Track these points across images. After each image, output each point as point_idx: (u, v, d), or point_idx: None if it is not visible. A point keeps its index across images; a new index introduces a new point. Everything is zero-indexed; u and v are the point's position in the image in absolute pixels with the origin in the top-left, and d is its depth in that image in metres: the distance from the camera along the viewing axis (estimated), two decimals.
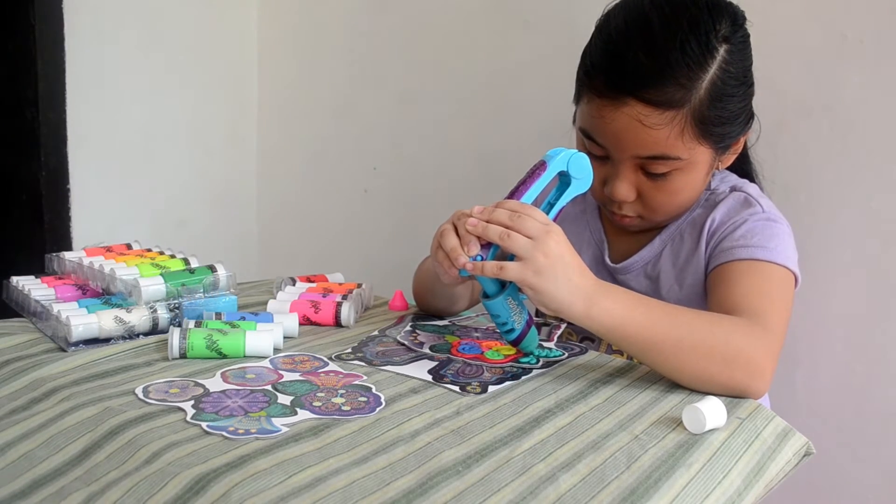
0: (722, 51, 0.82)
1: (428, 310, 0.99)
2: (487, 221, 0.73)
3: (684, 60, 0.80)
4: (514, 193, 0.76)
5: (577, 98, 0.90)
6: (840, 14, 1.03)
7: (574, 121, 0.92)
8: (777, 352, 0.77)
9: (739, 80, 0.85)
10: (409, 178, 1.56)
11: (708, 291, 0.88)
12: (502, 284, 0.77)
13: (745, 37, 0.86)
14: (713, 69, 0.82)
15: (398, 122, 1.56)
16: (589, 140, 0.88)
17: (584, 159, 0.77)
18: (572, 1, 1.27)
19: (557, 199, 0.78)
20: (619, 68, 0.83)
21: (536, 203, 0.76)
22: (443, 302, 0.95)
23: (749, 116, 0.89)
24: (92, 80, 1.48)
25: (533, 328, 0.80)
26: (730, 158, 0.92)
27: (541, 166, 0.76)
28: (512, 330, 0.79)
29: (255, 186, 1.82)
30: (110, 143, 1.54)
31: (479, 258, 0.74)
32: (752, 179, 0.99)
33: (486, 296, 0.78)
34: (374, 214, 1.63)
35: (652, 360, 0.75)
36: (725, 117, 0.84)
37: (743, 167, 0.99)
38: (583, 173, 0.77)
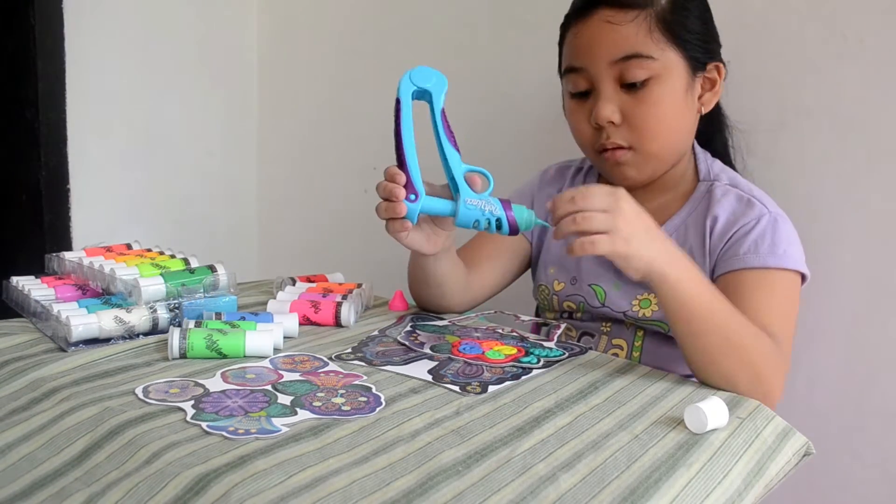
0: None
1: (422, 301, 0.99)
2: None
3: None
4: (398, 144, 0.81)
5: (560, 50, 0.96)
6: (840, 14, 1.03)
7: (560, 74, 0.96)
8: (785, 373, 0.81)
9: None
10: None
11: None
12: (451, 199, 0.80)
13: None
14: None
15: None
16: (570, 73, 0.92)
17: (424, 69, 0.79)
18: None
19: (435, 119, 0.81)
20: None
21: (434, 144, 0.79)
22: (432, 288, 0.96)
23: (715, 43, 0.93)
24: (92, 80, 1.48)
25: (516, 206, 0.79)
26: (710, 100, 0.94)
27: (396, 104, 0.79)
28: (499, 220, 0.78)
29: (255, 186, 1.82)
30: (110, 143, 1.54)
31: (412, 197, 0.77)
32: (726, 155, 1.03)
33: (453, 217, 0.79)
34: (374, 214, 1.62)
35: (693, 339, 0.77)
36: (687, 27, 0.89)
37: (717, 137, 1.03)
38: (430, 79, 0.80)
